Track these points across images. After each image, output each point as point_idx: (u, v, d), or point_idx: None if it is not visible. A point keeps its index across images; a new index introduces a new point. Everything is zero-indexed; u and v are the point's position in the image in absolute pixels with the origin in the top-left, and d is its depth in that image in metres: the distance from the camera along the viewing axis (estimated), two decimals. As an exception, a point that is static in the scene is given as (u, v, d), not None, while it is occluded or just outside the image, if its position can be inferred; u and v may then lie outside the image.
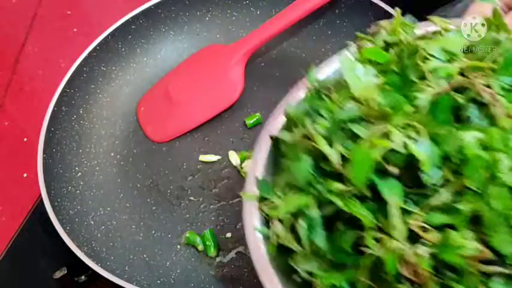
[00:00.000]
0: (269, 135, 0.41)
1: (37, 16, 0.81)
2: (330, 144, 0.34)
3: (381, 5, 0.61)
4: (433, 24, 0.39)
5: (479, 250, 0.29)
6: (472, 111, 0.33)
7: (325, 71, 0.43)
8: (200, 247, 0.55)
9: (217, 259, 0.55)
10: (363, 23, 0.63)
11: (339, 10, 0.65)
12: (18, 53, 0.77)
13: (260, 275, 0.36)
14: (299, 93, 0.42)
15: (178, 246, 0.56)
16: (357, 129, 0.33)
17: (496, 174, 0.29)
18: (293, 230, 0.36)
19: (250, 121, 0.62)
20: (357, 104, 0.35)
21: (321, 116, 0.36)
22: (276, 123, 0.42)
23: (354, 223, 0.33)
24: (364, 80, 0.36)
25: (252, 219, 0.38)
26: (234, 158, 0.60)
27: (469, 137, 0.31)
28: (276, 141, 0.41)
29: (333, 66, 0.44)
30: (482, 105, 0.33)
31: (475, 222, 0.30)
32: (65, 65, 0.72)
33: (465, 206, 0.30)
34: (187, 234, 0.56)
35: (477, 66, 0.34)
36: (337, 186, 0.33)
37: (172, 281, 0.54)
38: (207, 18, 0.69)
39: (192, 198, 0.59)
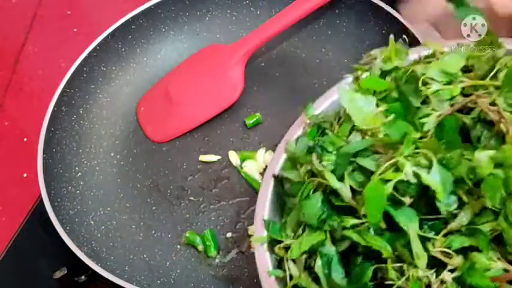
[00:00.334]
0: (272, 175, 0.40)
1: (37, 16, 0.81)
2: (338, 179, 0.34)
3: (381, 5, 0.61)
4: (426, 48, 0.39)
5: (506, 270, 0.29)
6: (481, 130, 0.33)
7: (322, 105, 0.43)
8: (200, 247, 0.55)
9: (217, 259, 0.55)
10: (363, 23, 0.63)
11: (339, 10, 0.65)
12: (18, 53, 0.77)
13: None
14: (298, 131, 0.42)
15: (178, 246, 0.56)
16: (365, 163, 0.33)
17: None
18: (307, 269, 0.35)
19: (250, 121, 0.62)
20: (362, 134, 0.35)
21: (326, 151, 0.36)
22: (278, 162, 0.41)
23: (371, 256, 0.33)
24: (366, 110, 0.36)
25: (265, 262, 0.38)
26: (234, 158, 0.60)
27: (482, 157, 0.30)
28: (280, 180, 0.40)
29: (329, 100, 0.43)
30: (489, 124, 0.33)
31: (497, 242, 0.30)
32: (65, 65, 0.72)
33: (485, 227, 0.30)
34: (187, 234, 0.56)
35: (479, 85, 0.34)
36: (352, 221, 0.33)
37: (172, 281, 0.54)
38: (207, 18, 0.69)
39: (192, 198, 0.59)
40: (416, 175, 0.31)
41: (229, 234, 0.56)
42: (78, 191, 0.59)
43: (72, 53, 0.65)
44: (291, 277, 0.36)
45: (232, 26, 0.69)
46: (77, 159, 0.61)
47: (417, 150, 0.32)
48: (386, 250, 0.32)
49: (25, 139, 0.69)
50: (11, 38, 0.80)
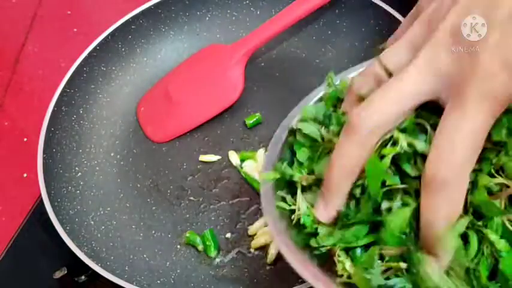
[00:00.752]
0: (288, 128, 0.42)
1: (37, 16, 0.81)
2: None
3: (381, 5, 0.61)
4: None
5: (507, 186, 0.31)
6: None
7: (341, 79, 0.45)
8: (200, 247, 0.55)
9: (217, 259, 0.55)
10: (363, 23, 0.63)
11: (339, 10, 0.65)
12: (18, 53, 0.77)
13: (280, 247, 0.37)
14: (316, 96, 0.45)
15: (178, 246, 0.56)
16: None
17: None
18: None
19: (250, 121, 0.62)
20: None
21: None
22: (294, 117, 0.43)
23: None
24: None
25: (270, 198, 0.39)
26: (234, 158, 0.60)
27: None
28: (294, 133, 0.41)
29: (347, 76, 0.45)
30: None
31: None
32: (65, 65, 0.72)
33: (490, 155, 0.32)
34: (187, 234, 0.56)
35: None
36: None
37: (172, 281, 0.54)
38: (207, 18, 0.69)
39: (192, 198, 0.59)
40: (409, 145, 0.33)
41: (229, 234, 0.56)
42: (78, 191, 0.59)
43: (72, 53, 0.65)
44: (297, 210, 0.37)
45: (232, 26, 0.69)
46: (77, 159, 0.61)
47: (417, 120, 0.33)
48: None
49: (25, 139, 0.69)
50: (11, 38, 0.80)
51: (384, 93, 0.33)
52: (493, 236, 0.31)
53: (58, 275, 0.55)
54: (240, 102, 0.63)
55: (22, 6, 0.83)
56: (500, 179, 0.31)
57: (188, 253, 0.56)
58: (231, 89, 0.63)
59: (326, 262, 0.36)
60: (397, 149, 0.32)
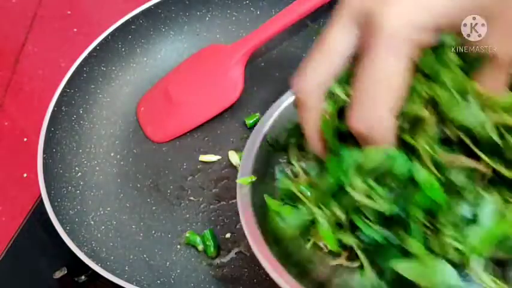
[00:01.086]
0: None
1: (37, 16, 0.81)
2: None
3: (380, 5, 0.61)
4: None
5: (427, 115, 0.32)
6: None
7: None
8: (200, 247, 0.55)
9: (217, 259, 0.55)
10: (363, 23, 0.63)
11: (339, 10, 0.65)
12: (18, 53, 0.77)
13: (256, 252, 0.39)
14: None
15: (178, 246, 0.56)
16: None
17: (444, 59, 0.33)
18: None
19: (250, 121, 0.62)
20: None
21: None
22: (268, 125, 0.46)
23: None
24: None
25: (247, 204, 0.41)
26: (234, 158, 0.60)
27: None
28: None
29: None
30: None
31: (432, 105, 0.33)
32: (65, 65, 0.72)
33: (421, 87, 0.33)
34: (187, 234, 0.56)
35: None
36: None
37: (172, 281, 0.54)
38: (207, 18, 0.69)
39: (192, 198, 0.59)
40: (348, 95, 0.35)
41: (229, 235, 0.56)
42: (78, 191, 0.59)
43: (72, 53, 0.65)
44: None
45: (232, 26, 0.69)
46: (77, 159, 0.61)
47: None
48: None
49: (25, 139, 0.69)
50: (11, 38, 0.80)
51: (311, 57, 0.35)
52: (420, 170, 0.32)
53: (58, 275, 0.55)
54: (240, 102, 0.63)
55: (22, 6, 0.83)
56: (426, 112, 0.32)
57: (188, 253, 0.56)
58: (231, 89, 0.63)
59: (300, 268, 0.38)
60: (339, 102, 0.35)
